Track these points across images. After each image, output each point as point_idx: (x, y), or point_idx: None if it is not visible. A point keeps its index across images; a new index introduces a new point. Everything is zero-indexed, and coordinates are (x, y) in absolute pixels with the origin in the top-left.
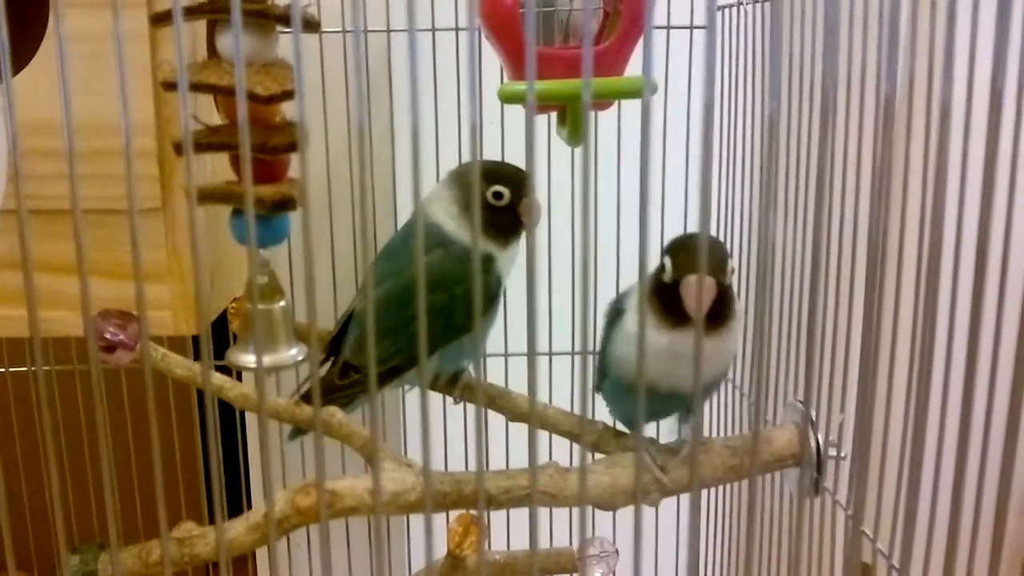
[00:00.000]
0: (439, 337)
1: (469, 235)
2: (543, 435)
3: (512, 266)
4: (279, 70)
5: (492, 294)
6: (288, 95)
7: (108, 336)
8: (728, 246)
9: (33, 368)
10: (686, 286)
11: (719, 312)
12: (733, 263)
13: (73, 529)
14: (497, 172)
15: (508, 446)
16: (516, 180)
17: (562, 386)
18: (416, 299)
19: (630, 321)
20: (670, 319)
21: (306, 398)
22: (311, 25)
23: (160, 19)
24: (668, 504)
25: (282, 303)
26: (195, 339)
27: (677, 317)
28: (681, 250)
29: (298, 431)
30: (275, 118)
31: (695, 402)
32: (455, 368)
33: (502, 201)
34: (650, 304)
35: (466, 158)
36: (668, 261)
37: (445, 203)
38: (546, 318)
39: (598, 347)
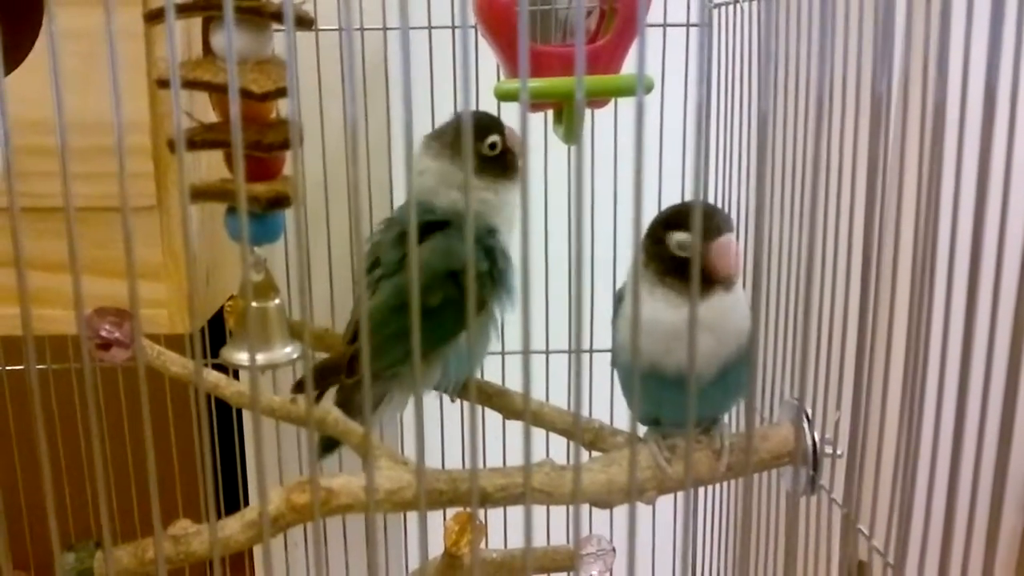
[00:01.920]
0: (452, 330)
1: (461, 198)
2: (541, 433)
3: (514, 216)
4: (274, 67)
5: (495, 277)
6: (283, 92)
7: (104, 334)
8: None
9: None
10: (720, 248)
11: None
12: None
13: (71, 527)
14: (484, 125)
15: (505, 444)
16: (501, 124)
17: (559, 384)
18: (423, 296)
19: (628, 305)
20: (670, 291)
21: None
22: (305, 22)
23: (154, 16)
24: (665, 502)
25: (277, 301)
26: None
27: (678, 290)
28: (692, 217)
29: (327, 447)
30: (270, 115)
31: (688, 381)
32: (467, 370)
33: (496, 151)
34: (661, 282)
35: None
36: (675, 234)
37: (432, 175)
38: (543, 316)
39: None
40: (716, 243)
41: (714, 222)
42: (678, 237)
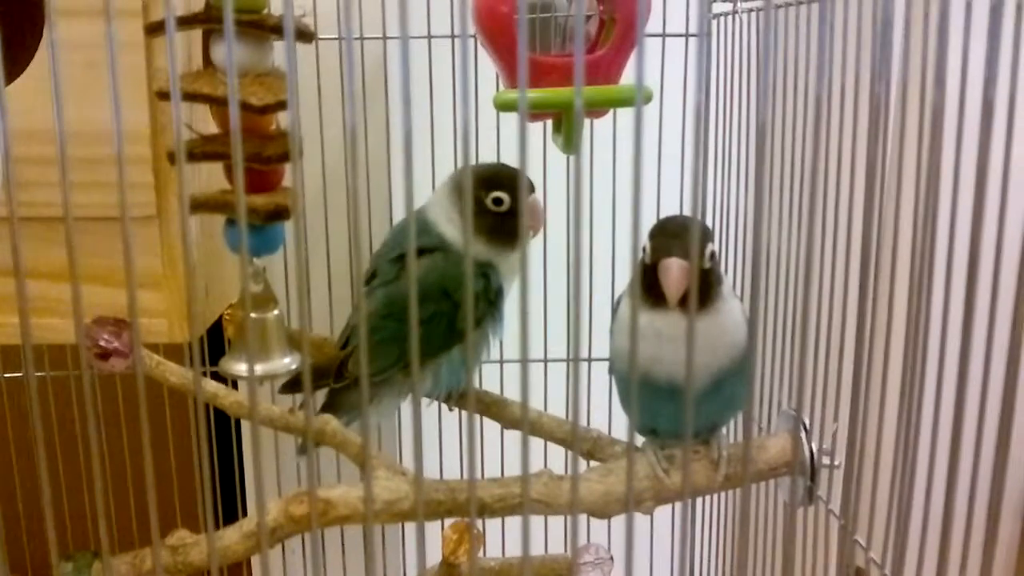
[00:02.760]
0: (443, 343)
1: (459, 238)
2: (539, 443)
3: (515, 274)
4: (273, 80)
5: (491, 300)
6: (283, 105)
7: (103, 343)
8: (722, 252)
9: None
10: (663, 269)
11: (699, 294)
12: (714, 247)
13: (68, 536)
14: (497, 177)
15: (503, 454)
16: (517, 184)
17: (558, 393)
18: (418, 305)
19: (621, 311)
20: (650, 300)
21: (328, 408)
22: (305, 35)
23: (155, 29)
24: (663, 511)
25: (276, 312)
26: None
27: (657, 299)
28: (660, 232)
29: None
30: (270, 128)
31: (687, 392)
32: (459, 378)
33: (502, 207)
34: (647, 291)
35: (461, 165)
36: (648, 243)
37: (444, 208)
38: (541, 325)
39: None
40: (661, 263)
41: (668, 242)
42: (644, 245)
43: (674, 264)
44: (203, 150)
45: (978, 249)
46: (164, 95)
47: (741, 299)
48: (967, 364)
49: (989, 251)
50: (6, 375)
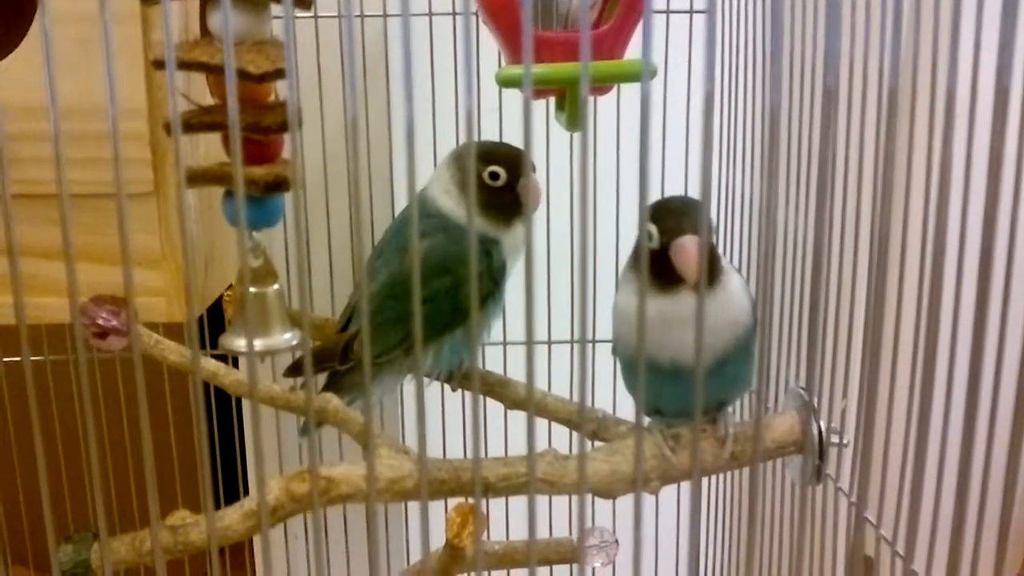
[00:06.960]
0: (446, 322)
1: (460, 213)
2: (543, 423)
3: (519, 251)
4: (271, 48)
5: (494, 278)
6: (281, 74)
7: (101, 322)
8: (729, 231)
9: (30, 358)
10: (678, 249)
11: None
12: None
13: (69, 520)
14: (493, 152)
15: (507, 435)
16: (513, 160)
17: (562, 374)
18: (421, 284)
19: (620, 296)
20: (659, 284)
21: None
22: (303, 3)
23: None
24: (668, 493)
25: (276, 287)
26: None
27: (664, 282)
28: (666, 214)
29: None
30: (268, 98)
31: (696, 375)
32: (460, 358)
33: (498, 182)
34: (636, 273)
35: (463, 143)
36: (653, 228)
37: (443, 184)
38: (545, 305)
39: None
40: (674, 243)
41: (677, 221)
42: (648, 229)
43: (689, 242)
44: (200, 120)
45: (992, 222)
46: (160, 64)
47: (747, 278)
48: (981, 338)
49: (1004, 226)
50: (5, 359)
